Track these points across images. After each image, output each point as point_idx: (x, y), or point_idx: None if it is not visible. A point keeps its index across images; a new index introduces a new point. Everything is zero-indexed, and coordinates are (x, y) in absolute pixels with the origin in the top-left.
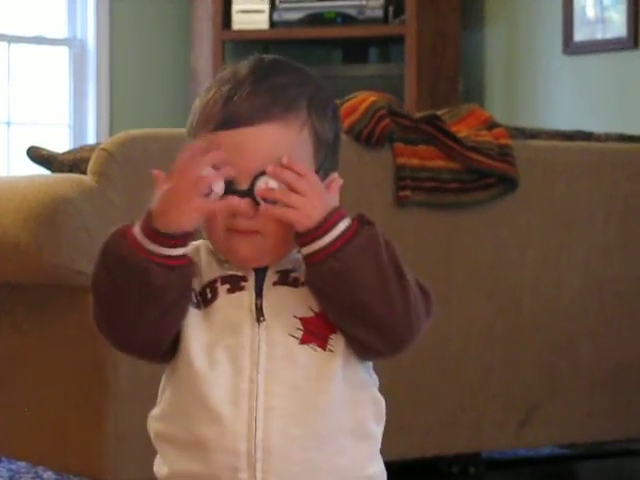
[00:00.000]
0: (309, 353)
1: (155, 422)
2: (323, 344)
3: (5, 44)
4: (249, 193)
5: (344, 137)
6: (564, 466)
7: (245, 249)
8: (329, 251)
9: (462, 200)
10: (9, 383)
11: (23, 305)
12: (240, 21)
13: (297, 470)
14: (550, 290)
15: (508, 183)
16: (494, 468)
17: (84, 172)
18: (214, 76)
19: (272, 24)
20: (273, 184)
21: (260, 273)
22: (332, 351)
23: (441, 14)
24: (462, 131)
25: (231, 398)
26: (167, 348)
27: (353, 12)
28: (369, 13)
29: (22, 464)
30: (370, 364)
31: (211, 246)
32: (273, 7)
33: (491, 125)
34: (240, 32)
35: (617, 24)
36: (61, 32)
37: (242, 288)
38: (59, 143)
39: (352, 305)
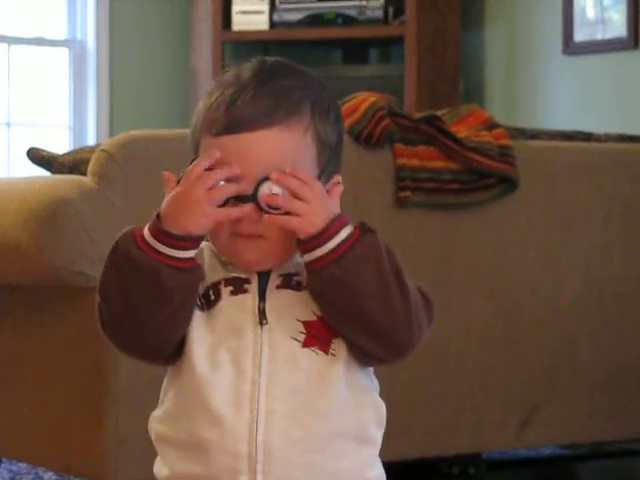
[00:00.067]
0: (311, 356)
1: (156, 423)
2: (325, 348)
3: (5, 45)
4: (253, 198)
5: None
6: (564, 466)
7: (249, 253)
8: (330, 258)
9: (462, 201)
10: (9, 384)
11: (23, 306)
12: (240, 22)
13: (298, 473)
14: (550, 290)
15: (508, 184)
16: (494, 468)
17: (84, 173)
18: (214, 77)
19: (272, 25)
20: (277, 190)
21: (263, 276)
22: (334, 355)
23: (441, 14)
24: (462, 131)
25: (233, 400)
26: (172, 351)
27: (353, 13)
28: (369, 14)
29: (23, 465)
30: (371, 369)
31: (214, 248)
32: (273, 8)
33: (491, 125)
34: (240, 33)
35: (617, 24)
36: (61, 33)
37: (245, 291)
38: (59, 144)
39: (353, 312)
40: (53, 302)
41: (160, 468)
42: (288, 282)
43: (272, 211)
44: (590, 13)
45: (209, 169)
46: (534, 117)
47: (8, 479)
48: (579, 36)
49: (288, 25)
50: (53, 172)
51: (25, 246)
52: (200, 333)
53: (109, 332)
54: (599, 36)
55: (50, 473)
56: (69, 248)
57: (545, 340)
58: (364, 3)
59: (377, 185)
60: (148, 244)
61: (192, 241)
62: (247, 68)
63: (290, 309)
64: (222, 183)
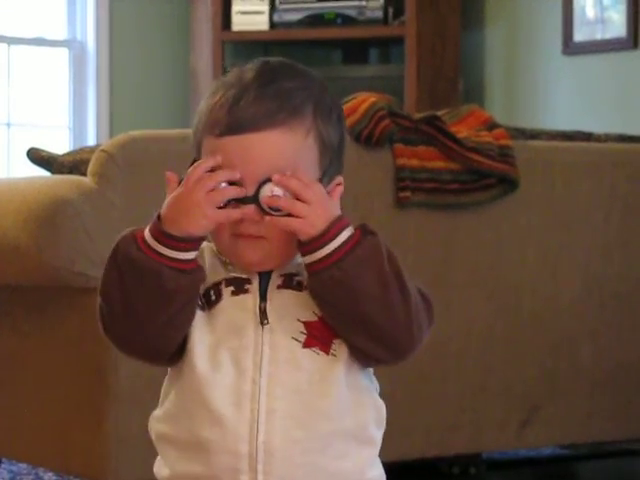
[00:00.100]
0: (312, 357)
1: (157, 423)
2: (326, 348)
3: (5, 45)
4: (254, 200)
5: None
6: (565, 466)
7: (251, 254)
8: (331, 260)
9: (462, 201)
10: (9, 385)
11: (23, 307)
12: (240, 22)
13: (299, 473)
14: (550, 290)
15: (508, 184)
16: (495, 469)
17: (84, 174)
18: (214, 78)
19: (272, 25)
20: (278, 191)
21: (264, 276)
22: (335, 355)
23: (441, 15)
24: (462, 132)
25: (233, 400)
26: (173, 352)
27: (353, 13)
28: (369, 14)
29: (23, 466)
30: (371, 370)
31: (215, 248)
32: (273, 8)
33: (491, 126)
34: (240, 33)
35: (617, 24)
36: (61, 34)
37: (246, 291)
38: (59, 145)
39: (353, 314)
40: (53, 302)
41: (160, 468)
42: (289, 282)
43: (273, 213)
44: (590, 13)
45: (210, 171)
46: (534, 117)
47: None
48: (579, 36)
49: (288, 25)
50: (53, 172)
51: (25, 246)
52: (201, 333)
53: (110, 333)
54: (599, 36)
55: (50, 473)
56: (69, 248)
57: (545, 340)
58: (364, 3)
59: (377, 185)
60: (149, 246)
61: (193, 242)
62: (250, 69)
63: (291, 309)
64: (223, 185)
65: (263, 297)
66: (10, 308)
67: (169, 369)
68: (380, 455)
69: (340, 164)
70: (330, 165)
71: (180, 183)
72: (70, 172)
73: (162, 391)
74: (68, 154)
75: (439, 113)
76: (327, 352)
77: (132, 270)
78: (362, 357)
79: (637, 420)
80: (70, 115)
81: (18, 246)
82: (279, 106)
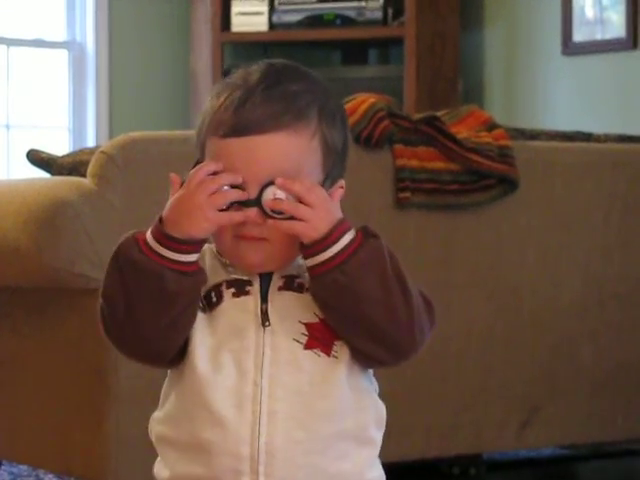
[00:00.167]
0: (313, 358)
1: (158, 424)
2: (327, 350)
3: (4, 47)
4: (257, 203)
5: None
6: (565, 467)
7: (253, 255)
8: (334, 264)
9: (462, 201)
10: (10, 386)
11: (23, 308)
12: (239, 23)
13: (300, 474)
14: (550, 290)
15: (508, 184)
16: (495, 469)
17: (84, 175)
18: (214, 79)
19: (271, 26)
20: (281, 194)
21: (265, 278)
22: (336, 357)
23: (440, 15)
24: (462, 132)
25: (235, 401)
26: (174, 354)
27: (352, 14)
28: (368, 15)
29: (23, 467)
30: (371, 371)
31: (215, 250)
32: (272, 9)
33: (491, 126)
34: (239, 34)
35: (616, 24)
36: (60, 35)
37: (247, 292)
38: (59, 146)
39: (355, 317)
40: (53, 304)
41: (160, 469)
42: (290, 284)
43: (276, 216)
44: (589, 13)
45: (213, 174)
46: (533, 117)
47: None
48: (578, 36)
49: (287, 26)
50: (53, 174)
51: (25, 248)
52: (202, 335)
53: (112, 336)
54: (598, 36)
55: (50, 475)
56: (69, 250)
57: (545, 340)
58: (363, 4)
59: (377, 186)
60: (151, 248)
61: (195, 245)
62: (255, 70)
63: (292, 311)
64: (225, 188)
65: (264, 299)
66: (10, 309)
67: (169, 371)
68: (380, 456)
69: (343, 167)
70: (333, 168)
71: (183, 184)
72: (70, 173)
73: (162, 393)
74: (68, 155)
75: (439, 114)
76: (328, 354)
77: (134, 272)
78: (363, 359)
79: (637, 420)
80: (70, 116)
81: (18, 247)
82: (285, 108)
